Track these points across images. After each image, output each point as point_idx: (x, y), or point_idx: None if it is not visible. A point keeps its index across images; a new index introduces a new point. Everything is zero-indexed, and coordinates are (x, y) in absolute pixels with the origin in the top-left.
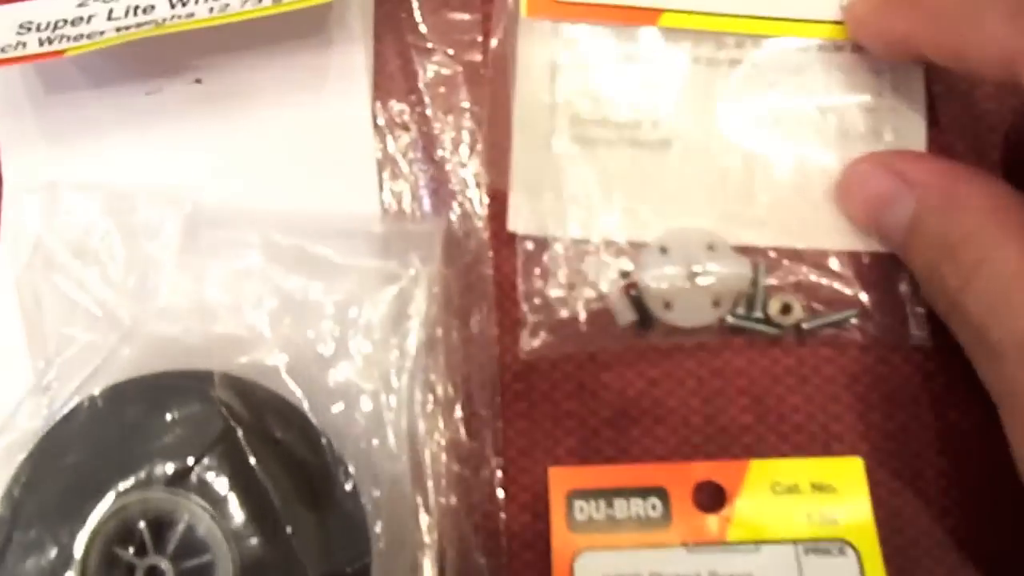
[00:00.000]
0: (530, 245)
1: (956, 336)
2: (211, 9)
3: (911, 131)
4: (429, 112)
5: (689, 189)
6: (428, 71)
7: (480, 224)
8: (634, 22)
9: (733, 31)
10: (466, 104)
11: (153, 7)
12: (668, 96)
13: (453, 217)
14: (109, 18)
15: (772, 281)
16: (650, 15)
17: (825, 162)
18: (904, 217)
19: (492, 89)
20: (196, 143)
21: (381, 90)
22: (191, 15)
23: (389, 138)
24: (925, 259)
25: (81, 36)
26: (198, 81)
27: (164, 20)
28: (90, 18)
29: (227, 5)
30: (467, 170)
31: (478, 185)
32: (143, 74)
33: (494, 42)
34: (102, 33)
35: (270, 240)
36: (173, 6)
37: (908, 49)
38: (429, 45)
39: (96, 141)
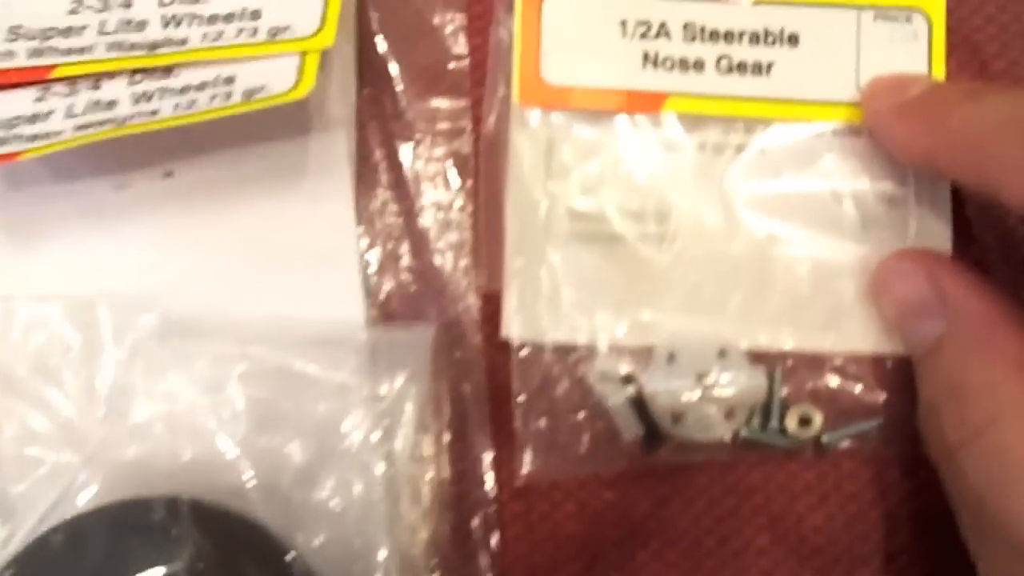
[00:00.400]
0: (526, 352)
1: (942, 480)
2: (176, 106)
3: (936, 223)
4: (416, 206)
5: (698, 287)
6: (415, 162)
7: (472, 329)
8: (636, 109)
9: (742, 115)
10: (456, 197)
11: (115, 103)
12: (673, 186)
13: (443, 322)
14: (69, 114)
15: (789, 389)
16: (654, 100)
17: (845, 256)
18: (930, 335)
19: (483, 182)
20: (167, 242)
21: (365, 182)
22: (155, 112)
23: (373, 234)
24: (932, 391)
25: (38, 136)
26: (169, 175)
27: (126, 118)
28: (48, 114)
29: (194, 102)
30: (457, 270)
31: (469, 286)
32: (110, 167)
33: (485, 131)
34: (60, 133)
35: (246, 353)
36: (137, 101)
37: (929, 165)
38: (416, 134)
39: (60, 240)
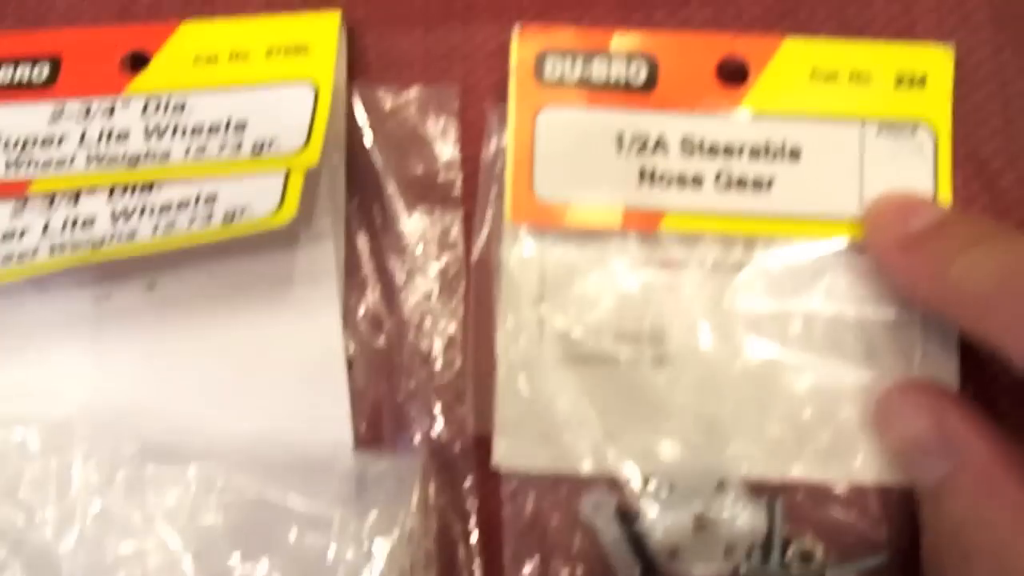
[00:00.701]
0: (517, 483)
1: None
2: (155, 227)
3: (942, 351)
4: (406, 321)
5: (695, 413)
6: (405, 276)
7: (462, 456)
8: (633, 227)
9: (742, 233)
10: (447, 313)
11: (94, 220)
12: (670, 306)
13: (432, 447)
14: (44, 232)
15: (790, 522)
16: (651, 218)
17: (849, 383)
18: (934, 474)
19: (473, 300)
20: (149, 356)
21: (353, 296)
22: (133, 233)
23: (362, 350)
24: (936, 535)
25: (12, 256)
26: (151, 287)
27: (104, 238)
28: (24, 232)
29: (173, 223)
30: (448, 391)
31: (460, 409)
32: (92, 278)
33: (476, 246)
34: (35, 252)
35: (227, 482)
36: (116, 220)
37: (931, 311)
38: (406, 246)
39: (38, 352)
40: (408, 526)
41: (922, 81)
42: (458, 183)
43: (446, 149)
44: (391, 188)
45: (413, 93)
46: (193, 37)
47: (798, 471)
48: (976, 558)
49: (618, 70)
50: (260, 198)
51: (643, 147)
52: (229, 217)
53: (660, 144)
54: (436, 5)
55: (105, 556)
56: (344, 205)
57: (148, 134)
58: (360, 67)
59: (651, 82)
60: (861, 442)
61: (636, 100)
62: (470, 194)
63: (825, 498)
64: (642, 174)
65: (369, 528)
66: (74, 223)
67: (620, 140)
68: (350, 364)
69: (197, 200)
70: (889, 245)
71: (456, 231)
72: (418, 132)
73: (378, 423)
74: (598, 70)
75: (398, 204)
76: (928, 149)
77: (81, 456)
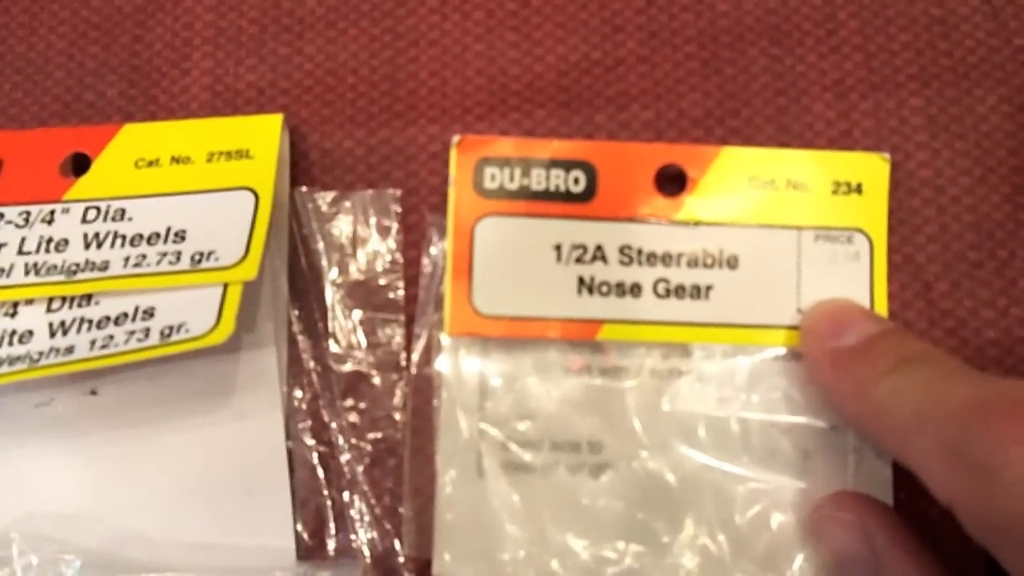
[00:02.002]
0: None
1: None
2: (92, 342)
3: (877, 460)
4: (347, 426)
5: (634, 523)
6: (346, 381)
7: (402, 564)
8: (571, 337)
9: (680, 340)
10: (386, 419)
11: (31, 333)
12: (607, 414)
13: (373, 555)
14: None
15: None
16: (589, 328)
17: (784, 490)
18: None
19: (412, 409)
20: (91, 463)
21: (295, 401)
22: (71, 348)
23: (305, 458)
24: None
25: None
26: (93, 392)
27: (41, 354)
28: None
29: (111, 337)
30: (388, 498)
31: (399, 518)
32: (32, 383)
33: (414, 356)
34: None
35: None
36: (53, 334)
37: (857, 430)
38: (347, 351)
39: None
40: None
41: (858, 188)
42: (400, 287)
43: (388, 253)
44: (333, 292)
45: (355, 196)
46: (135, 139)
47: None
48: None
49: (557, 179)
50: (197, 314)
51: (582, 256)
52: (166, 334)
53: (599, 253)
54: (378, 107)
55: None
56: (286, 310)
57: (87, 243)
58: (302, 168)
59: (590, 191)
60: (796, 550)
61: (575, 209)
62: (412, 298)
63: None
64: (581, 283)
65: None
66: (11, 336)
67: (559, 249)
68: (292, 470)
69: (135, 314)
70: (820, 359)
71: (397, 336)
72: (360, 236)
73: (320, 531)
74: (537, 179)
75: (340, 309)
76: (864, 256)
77: (21, 569)
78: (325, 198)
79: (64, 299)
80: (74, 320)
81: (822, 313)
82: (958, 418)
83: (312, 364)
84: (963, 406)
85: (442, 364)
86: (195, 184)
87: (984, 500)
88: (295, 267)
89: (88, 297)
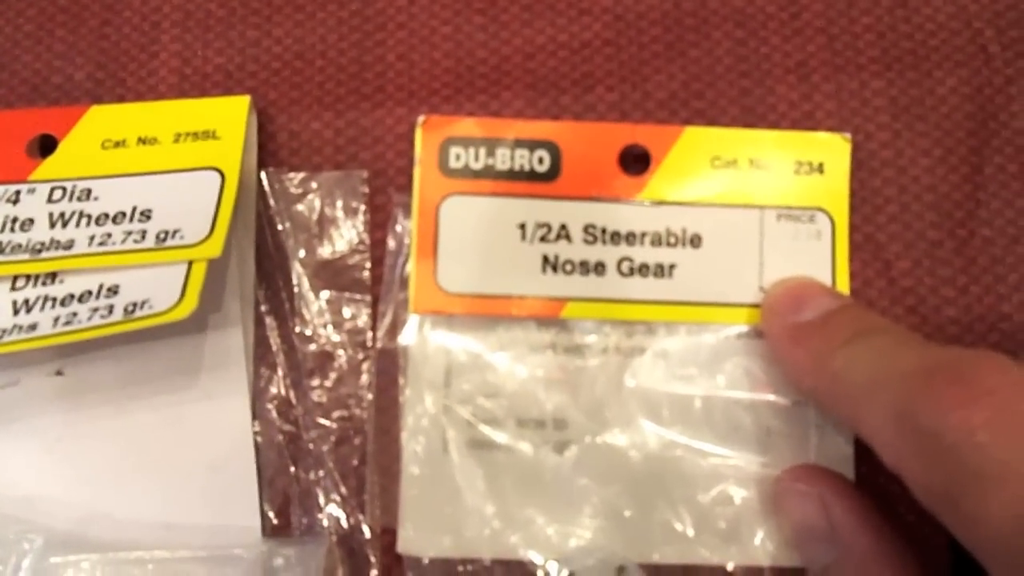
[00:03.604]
0: (422, 569)
1: None
2: (56, 319)
3: (838, 435)
4: (313, 406)
5: (596, 498)
6: (313, 361)
7: (367, 542)
8: (536, 315)
9: (644, 319)
10: (353, 397)
11: None
12: (572, 391)
13: (339, 533)
14: None
15: None
16: (553, 306)
17: (747, 466)
18: (821, 560)
19: (378, 388)
20: (57, 443)
21: (262, 381)
22: (35, 325)
23: (270, 436)
24: None
25: None
26: (59, 373)
27: (4, 331)
28: None
29: (75, 314)
30: (354, 477)
31: (365, 494)
32: None
33: (380, 334)
34: None
35: (133, 573)
36: (17, 312)
37: (814, 403)
38: (314, 331)
39: None
40: None
41: (820, 168)
42: (366, 267)
43: (354, 234)
44: (300, 273)
45: (322, 177)
46: (102, 121)
47: (697, 555)
48: None
49: (521, 159)
50: (161, 290)
51: (546, 235)
52: (130, 310)
53: (563, 232)
54: (346, 89)
55: None
56: (253, 290)
57: (52, 222)
58: (270, 150)
59: (554, 170)
60: (758, 525)
61: (539, 188)
62: (378, 278)
63: None
64: (545, 262)
65: None
66: None
67: (523, 228)
68: (258, 450)
69: (99, 292)
70: (780, 334)
71: (364, 316)
72: (327, 216)
73: (286, 509)
74: (502, 159)
75: (306, 289)
76: (826, 235)
77: None
78: (292, 179)
79: (28, 277)
80: (38, 298)
81: (783, 290)
82: (906, 384)
83: (279, 344)
84: (911, 373)
85: (407, 342)
86: (161, 164)
87: (928, 464)
88: (262, 248)
89: (53, 275)
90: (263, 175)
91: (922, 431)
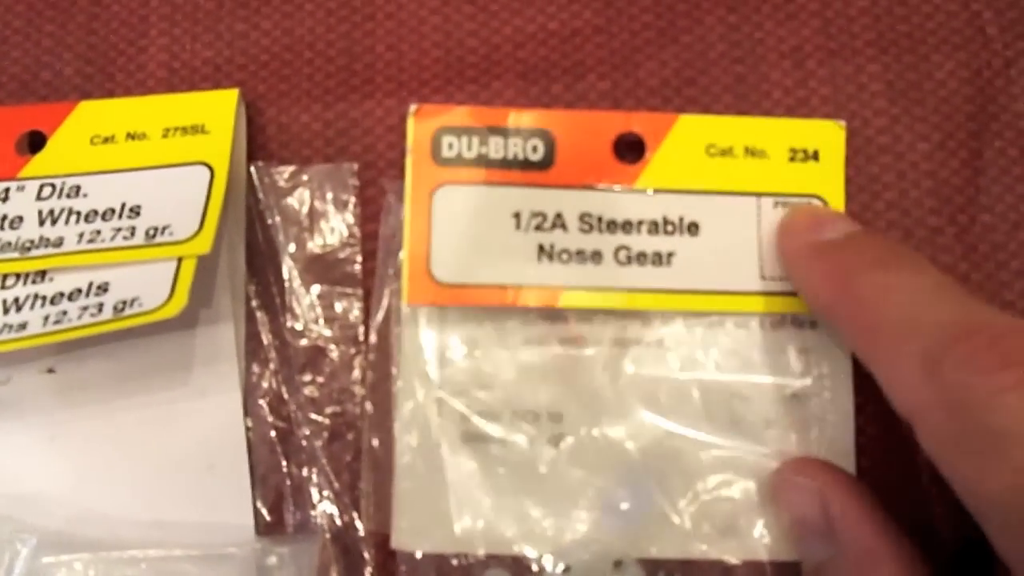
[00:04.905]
0: (416, 563)
1: None
2: (46, 318)
3: (838, 425)
4: (306, 402)
5: (592, 492)
6: (305, 356)
7: (361, 538)
8: (531, 304)
9: (642, 308)
10: (346, 392)
11: None
12: (567, 382)
13: (332, 530)
14: None
15: None
16: (549, 295)
17: (746, 458)
18: (817, 556)
19: (371, 381)
20: (49, 441)
21: (253, 377)
22: (24, 325)
23: (264, 434)
24: None
25: None
26: (51, 371)
27: None
28: None
29: (64, 313)
30: (347, 474)
31: (358, 491)
32: None
33: (373, 327)
34: None
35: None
36: (7, 311)
37: (829, 321)
38: (306, 325)
39: None
40: None
41: (815, 155)
42: (357, 261)
43: (345, 227)
44: (290, 267)
45: (312, 170)
46: (91, 116)
47: (695, 549)
48: None
49: (515, 148)
50: (151, 288)
51: (541, 224)
52: (119, 309)
53: (559, 221)
54: (335, 81)
55: None
56: (244, 285)
57: (42, 220)
58: (259, 143)
59: (548, 159)
60: (757, 518)
61: (534, 177)
62: (370, 272)
63: (723, 574)
64: (540, 251)
65: None
66: None
67: (518, 217)
68: (251, 446)
69: (89, 290)
70: (800, 249)
71: (356, 310)
72: (317, 210)
73: (279, 507)
74: (495, 148)
75: (298, 283)
76: None
77: None
78: (282, 173)
79: (18, 276)
80: (28, 297)
81: (801, 212)
82: (944, 333)
83: (270, 339)
84: (950, 323)
85: (400, 334)
86: (150, 160)
87: (949, 414)
88: (252, 242)
89: (42, 274)
90: (252, 169)
91: (950, 381)
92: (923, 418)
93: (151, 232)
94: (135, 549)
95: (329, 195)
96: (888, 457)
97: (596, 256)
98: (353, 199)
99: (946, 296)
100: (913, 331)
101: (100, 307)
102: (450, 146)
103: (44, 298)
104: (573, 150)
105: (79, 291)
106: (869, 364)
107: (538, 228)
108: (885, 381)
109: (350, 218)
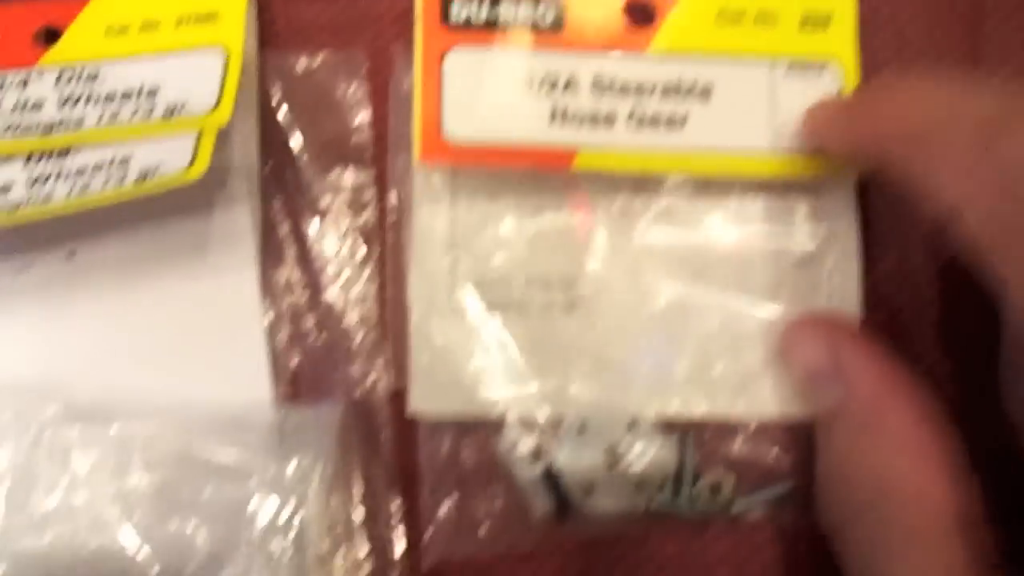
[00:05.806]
0: (434, 428)
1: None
2: (71, 191)
3: (846, 286)
4: (323, 281)
5: (606, 355)
6: (321, 236)
7: (381, 406)
8: (545, 166)
9: (656, 169)
10: (363, 271)
11: (10, 187)
12: (580, 248)
13: (351, 399)
14: None
15: (700, 457)
16: (563, 157)
17: (756, 319)
18: (828, 402)
19: (390, 255)
20: (71, 324)
21: (270, 257)
22: (49, 196)
23: (280, 310)
24: (824, 464)
25: None
26: (72, 255)
27: (19, 203)
28: None
29: (87, 185)
30: (365, 346)
31: (377, 363)
32: (12, 249)
33: (389, 202)
34: None
35: (149, 438)
36: (32, 185)
37: (869, 158)
38: (321, 208)
39: None
40: (329, 473)
41: (826, 22)
42: (370, 144)
43: (357, 111)
44: (304, 151)
45: (322, 58)
46: (105, 9)
47: (707, 409)
48: (856, 484)
49: (525, 11)
50: (173, 157)
51: (553, 86)
52: (143, 176)
53: (571, 83)
54: None
55: (33, 514)
56: (258, 169)
57: (62, 103)
58: (269, 35)
59: (559, 23)
60: (767, 378)
61: (544, 40)
62: (382, 155)
63: (734, 434)
64: (553, 113)
65: (290, 477)
66: None
67: (530, 80)
68: (268, 325)
69: (111, 163)
70: (830, 114)
71: (369, 190)
72: (329, 96)
73: (296, 383)
74: (505, 11)
75: (311, 167)
76: (837, 86)
77: (5, 420)
78: (293, 60)
79: (41, 154)
80: (51, 172)
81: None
82: (998, 111)
83: (286, 221)
84: (1000, 106)
85: (414, 200)
86: (165, 47)
87: (1002, 193)
88: (265, 128)
89: (65, 151)
90: (264, 57)
91: (1007, 158)
92: (972, 205)
93: (169, 110)
94: (154, 418)
95: (340, 81)
96: (894, 318)
97: (609, 119)
98: (364, 84)
99: (987, 87)
100: (962, 116)
101: (123, 177)
102: (459, 10)
103: (68, 173)
104: (583, 14)
105: (102, 165)
106: (908, 172)
107: (550, 91)
108: (927, 179)
109: (361, 103)
